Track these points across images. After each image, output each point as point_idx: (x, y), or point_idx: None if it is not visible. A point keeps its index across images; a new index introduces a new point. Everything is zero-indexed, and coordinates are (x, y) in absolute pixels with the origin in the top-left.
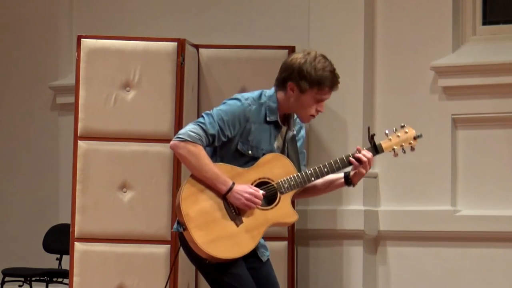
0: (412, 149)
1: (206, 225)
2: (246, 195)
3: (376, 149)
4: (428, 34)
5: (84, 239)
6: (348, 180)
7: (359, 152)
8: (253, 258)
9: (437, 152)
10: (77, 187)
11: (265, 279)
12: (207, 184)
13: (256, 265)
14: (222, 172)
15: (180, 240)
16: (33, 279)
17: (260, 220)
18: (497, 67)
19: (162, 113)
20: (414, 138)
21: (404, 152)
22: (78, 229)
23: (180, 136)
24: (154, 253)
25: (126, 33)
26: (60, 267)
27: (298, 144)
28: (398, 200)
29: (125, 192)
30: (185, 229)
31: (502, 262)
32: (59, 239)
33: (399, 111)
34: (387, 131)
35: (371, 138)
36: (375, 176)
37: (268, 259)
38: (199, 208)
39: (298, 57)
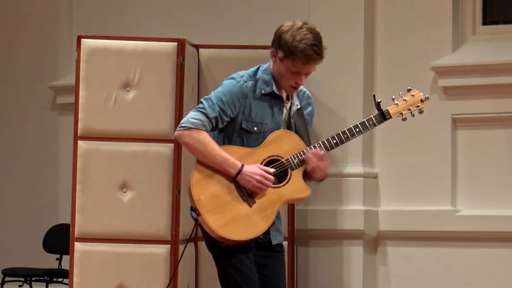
0: (421, 111)
1: (219, 209)
2: (257, 176)
3: (384, 116)
4: (428, 34)
5: (84, 239)
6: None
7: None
8: (264, 251)
9: (437, 152)
10: (77, 187)
11: (272, 277)
12: (214, 168)
13: (266, 261)
14: (230, 154)
15: (199, 226)
16: (33, 279)
17: (273, 198)
18: (497, 67)
19: (162, 113)
20: (422, 101)
21: (413, 115)
22: (78, 229)
23: (183, 125)
24: (154, 253)
25: (126, 33)
26: (60, 267)
27: (308, 123)
28: (398, 200)
29: (125, 192)
30: (199, 214)
31: (502, 262)
32: (59, 239)
33: None
34: (393, 97)
35: (378, 105)
36: (375, 176)
37: (281, 254)
38: (210, 192)
39: (286, 24)
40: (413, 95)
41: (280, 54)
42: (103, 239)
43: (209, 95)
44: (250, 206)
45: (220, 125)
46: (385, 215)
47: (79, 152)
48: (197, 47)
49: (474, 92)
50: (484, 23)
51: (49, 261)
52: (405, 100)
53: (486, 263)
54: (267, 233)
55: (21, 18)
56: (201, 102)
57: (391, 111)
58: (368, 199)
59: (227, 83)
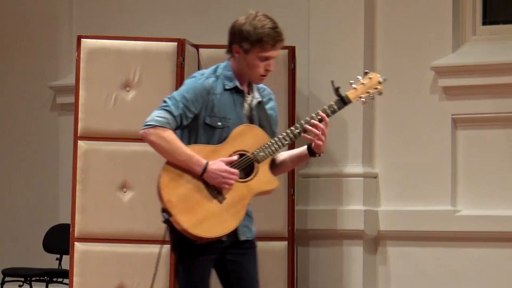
0: (380, 93)
1: (190, 208)
2: (222, 173)
3: (343, 101)
4: (428, 34)
5: (84, 239)
6: (311, 151)
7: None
8: (234, 249)
9: (437, 152)
10: (77, 187)
11: (245, 273)
12: (182, 168)
13: (236, 258)
14: (195, 152)
15: (170, 228)
16: (33, 279)
17: (242, 192)
18: (497, 67)
19: None
20: (379, 82)
21: (372, 98)
22: (78, 229)
23: (148, 123)
24: (154, 253)
25: (126, 33)
26: (60, 267)
27: (272, 117)
28: (398, 200)
29: (125, 192)
30: (171, 215)
31: (502, 262)
32: (59, 239)
33: (399, 111)
34: (351, 81)
35: (336, 90)
36: (375, 176)
37: (253, 250)
38: (180, 193)
39: (239, 19)
40: (370, 78)
41: (246, 46)
42: (103, 239)
43: (172, 94)
44: (221, 203)
45: (185, 122)
46: (385, 215)
47: (79, 152)
48: (197, 47)
49: (474, 92)
50: (484, 23)
51: (49, 261)
52: (363, 83)
53: (486, 263)
54: (234, 230)
55: (21, 18)
56: (165, 101)
57: (350, 96)
58: (368, 199)
59: (189, 81)
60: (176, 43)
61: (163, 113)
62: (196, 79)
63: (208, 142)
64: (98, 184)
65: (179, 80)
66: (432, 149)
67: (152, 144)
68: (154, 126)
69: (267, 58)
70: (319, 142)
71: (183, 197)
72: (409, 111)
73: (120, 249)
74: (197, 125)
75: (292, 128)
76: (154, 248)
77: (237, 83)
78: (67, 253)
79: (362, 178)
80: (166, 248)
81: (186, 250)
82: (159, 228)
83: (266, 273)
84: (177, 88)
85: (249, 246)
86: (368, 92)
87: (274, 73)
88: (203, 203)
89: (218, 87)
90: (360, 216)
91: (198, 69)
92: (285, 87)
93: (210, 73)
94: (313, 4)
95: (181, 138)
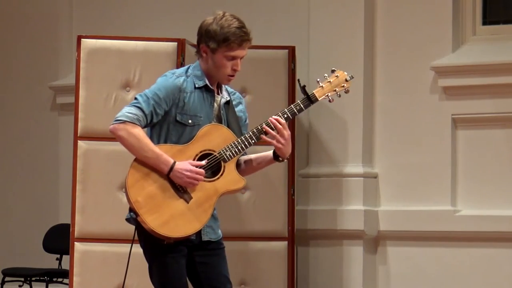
0: (347, 91)
1: (157, 208)
2: (187, 173)
3: (310, 99)
4: (428, 34)
5: (84, 239)
6: (275, 155)
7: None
8: (202, 251)
9: (437, 152)
10: (77, 187)
11: (214, 273)
12: (150, 166)
13: (205, 260)
14: (162, 152)
15: (137, 226)
16: (33, 279)
17: (209, 192)
18: (497, 67)
19: None
20: (346, 80)
21: (339, 96)
22: (78, 229)
23: (118, 118)
24: None
25: (126, 33)
26: (60, 267)
27: (242, 119)
28: (398, 200)
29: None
30: (137, 215)
31: (502, 262)
32: (59, 239)
33: (399, 111)
34: (318, 79)
35: (303, 89)
36: (375, 176)
37: (221, 251)
38: (147, 192)
39: (206, 19)
40: (337, 76)
41: (213, 45)
42: (103, 239)
43: (143, 91)
44: (187, 202)
45: (155, 120)
46: (385, 215)
47: (79, 152)
48: None
49: (474, 92)
50: (484, 23)
51: (49, 261)
52: (329, 82)
53: (486, 263)
54: (200, 244)
55: (21, 18)
56: (136, 98)
57: (316, 94)
58: (368, 199)
59: (160, 80)
60: (176, 43)
61: (133, 110)
62: (167, 78)
63: (178, 139)
64: (98, 184)
65: None
66: (432, 149)
67: (121, 139)
68: (124, 122)
69: (233, 58)
70: (278, 145)
71: (149, 196)
72: (409, 111)
73: (120, 249)
74: (167, 122)
75: (258, 126)
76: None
77: (207, 82)
78: (67, 253)
79: (362, 178)
80: None
81: (156, 249)
82: None
83: (266, 273)
84: None
85: (216, 247)
86: (335, 91)
87: (274, 73)
88: (170, 203)
89: (188, 86)
90: (360, 216)
91: None
92: (285, 87)
93: (181, 72)
94: (313, 4)
95: (151, 136)
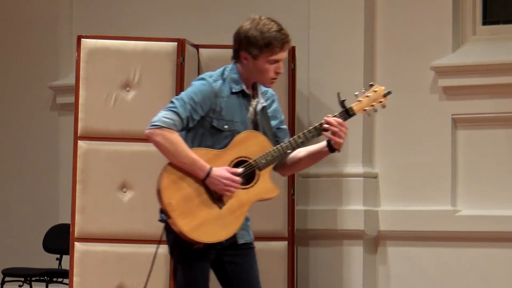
0: (383, 106)
1: (190, 212)
2: (225, 180)
3: (348, 113)
4: (428, 34)
5: (84, 239)
6: (332, 147)
7: (328, 120)
8: (232, 250)
9: (437, 152)
10: (77, 187)
11: (243, 274)
12: (185, 170)
13: (235, 259)
14: (198, 156)
15: (166, 228)
16: (33, 279)
17: (242, 199)
18: (497, 67)
19: None
20: (384, 96)
21: (376, 111)
22: (78, 229)
23: (155, 123)
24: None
25: (126, 33)
26: (60, 267)
27: (276, 121)
28: (398, 200)
29: (125, 192)
30: (169, 217)
31: (502, 262)
32: (59, 239)
33: (399, 111)
34: (356, 93)
35: (342, 103)
36: (375, 176)
37: (251, 251)
38: (181, 195)
39: (243, 25)
40: (375, 91)
41: (255, 51)
42: (103, 239)
43: (180, 95)
44: (220, 208)
45: (191, 125)
46: (385, 215)
47: (79, 152)
48: (197, 47)
49: (474, 92)
50: (484, 23)
51: (49, 261)
52: (368, 96)
53: (486, 263)
54: (232, 243)
55: (21, 18)
56: (172, 102)
57: (355, 108)
58: (368, 199)
59: (197, 83)
60: (176, 43)
61: (170, 114)
62: (205, 82)
63: (213, 144)
64: (98, 184)
65: (179, 80)
66: (432, 149)
67: (157, 145)
68: (160, 127)
69: (276, 61)
70: (340, 140)
71: (183, 200)
72: (409, 111)
73: (120, 249)
74: (203, 127)
75: (295, 137)
76: (154, 248)
77: (244, 87)
78: (67, 253)
79: (362, 178)
80: (165, 248)
81: (184, 252)
82: (159, 228)
83: (266, 273)
84: (177, 88)
85: (247, 247)
86: (372, 105)
87: None
88: (203, 208)
89: (225, 90)
90: (360, 216)
91: (198, 69)
92: (285, 87)
93: (218, 75)
94: (313, 4)
95: (185, 140)
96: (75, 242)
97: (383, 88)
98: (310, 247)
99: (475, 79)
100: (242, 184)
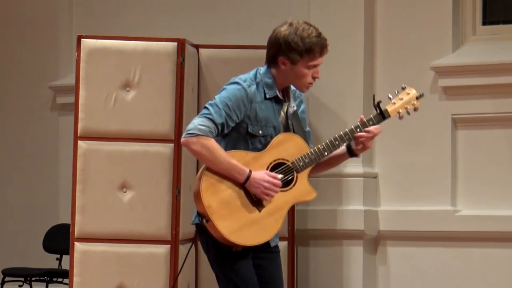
0: (416, 109)
1: (230, 215)
2: (265, 183)
3: (383, 115)
4: (428, 34)
5: (84, 239)
6: (352, 152)
7: (362, 121)
8: (262, 253)
9: (437, 152)
10: (77, 187)
11: (269, 277)
12: (224, 174)
13: (263, 262)
14: (236, 159)
15: (200, 231)
16: (33, 279)
17: (280, 202)
18: (497, 67)
19: (162, 113)
20: (417, 98)
21: (409, 113)
22: (78, 229)
23: (190, 131)
24: (154, 253)
25: (126, 33)
26: (60, 267)
27: (306, 123)
28: (398, 200)
29: (125, 192)
30: (208, 220)
31: (502, 262)
32: (59, 239)
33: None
34: (390, 95)
35: (377, 105)
36: (375, 176)
37: (277, 254)
38: (220, 198)
39: (282, 30)
40: (408, 93)
41: (295, 57)
42: (103, 239)
43: (214, 100)
44: (259, 211)
45: (226, 131)
46: (385, 215)
47: (79, 152)
48: (197, 47)
49: (474, 92)
50: (484, 23)
51: (49, 261)
52: (401, 98)
53: (486, 263)
54: (264, 244)
55: (21, 18)
56: (207, 108)
57: (389, 110)
58: (368, 199)
59: (231, 87)
60: (176, 43)
61: (205, 122)
62: (240, 87)
63: (247, 149)
64: (98, 184)
65: (179, 80)
66: (432, 149)
67: (195, 153)
68: (196, 135)
69: (314, 66)
70: (366, 148)
71: (222, 203)
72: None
73: (120, 249)
74: (238, 132)
75: (331, 139)
76: (154, 248)
77: (277, 92)
78: (67, 253)
79: (362, 178)
80: (166, 248)
81: (225, 256)
82: (159, 228)
83: None
84: (177, 88)
85: (274, 250)
86: (406, 108)
87: None
88: (242, 211)
89: (258, 95)
90: (360, 216)
91: (198, 69)
92: None
93: (251, 79)
94: (313, 4)
95: (220, 144)
96: (75, 242)
97: (415, 91)
98: (310, 247)
99: (475, 79)
100: (281, 186)
